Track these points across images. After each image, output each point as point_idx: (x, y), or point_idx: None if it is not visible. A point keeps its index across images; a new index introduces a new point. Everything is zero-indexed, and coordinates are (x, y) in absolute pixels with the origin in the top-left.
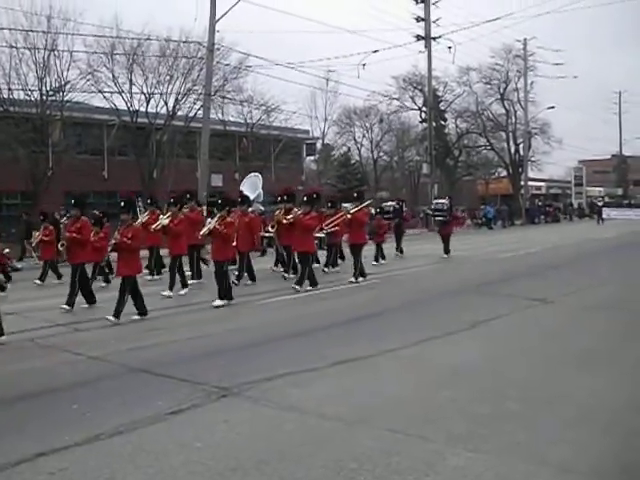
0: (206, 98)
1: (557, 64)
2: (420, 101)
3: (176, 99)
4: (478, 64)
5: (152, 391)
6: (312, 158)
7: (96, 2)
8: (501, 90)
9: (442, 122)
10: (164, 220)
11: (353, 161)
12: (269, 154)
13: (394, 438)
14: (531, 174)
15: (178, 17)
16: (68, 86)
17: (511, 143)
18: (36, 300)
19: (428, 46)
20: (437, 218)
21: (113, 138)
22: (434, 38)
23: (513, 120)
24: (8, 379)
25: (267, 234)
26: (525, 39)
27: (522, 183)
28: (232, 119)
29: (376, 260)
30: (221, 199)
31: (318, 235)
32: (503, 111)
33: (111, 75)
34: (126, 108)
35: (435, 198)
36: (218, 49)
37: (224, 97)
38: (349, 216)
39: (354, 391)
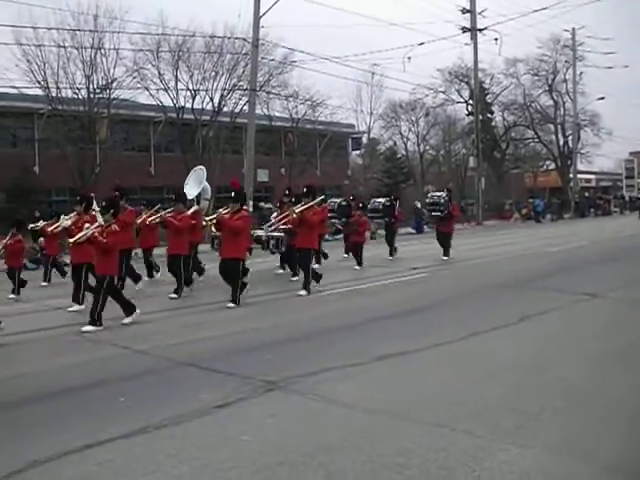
0: (251, 94)
1: (607, 53)
2: (466, 94)
3: (222, 95)
4: (525, 55)
5: (198, 384)
6: (358, 152)
7: (141, 0)
8: (549, 81)
9: (489, 115)
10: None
11: (399, 155)
12: (315, 149)
13: (440, 433)
14: (580, 167)
15: (222, 13)
16: (115, 84)
17: (560, 135)
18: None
19: (474, 38)
20: (433, 214)
21: (159, 134)
22: (480, 30)
23: (562, 112)
24: (56, 372)
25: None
26: (574, 28)
27: (571, 176)
28: (277, 114)
29: (359, 264)
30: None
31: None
32: (551, 103)
33: (157, 72)
34: (172, 104)
35: (430, 191)
36: (263, 44)
37: (269, 92)
38: (294, 215)
39: (400, 385)
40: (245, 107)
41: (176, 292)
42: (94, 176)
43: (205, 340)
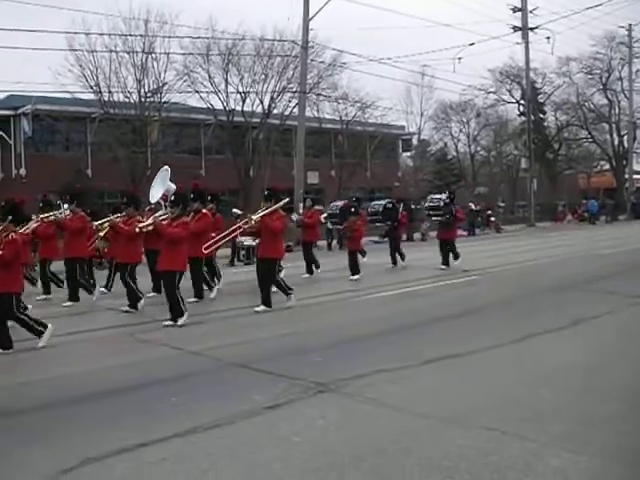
0: (301, 96)
1: None
2: (518, 94)
3: (271, 97)
4: (578, 54)
5: (249, 385)
6: (408, 154)
7: (191, 4)
8: (603, 80)
9: (541, 115)
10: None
11: (450, 156)
12: (365, 151)
13: (491, 436)
14: (636, 167)
15: (271, 16)
16: (165, 87)
17: (614, 135)
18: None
19: (525, 37)
20: (433, 219)
21: (210, 137)
22: (531, 29)
23: (616, 111)
24: (110, 372)
25: None
26: (630, 25)
27: (626, 176)
28: (327, 116)
29: (354, 273)
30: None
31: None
32: (605, 101)
33: (207, 75)
34: (222, 107)
35: (431, 193)
36: (312, 47)
37: (319, 94)
38: (253, 222)
39: (450, 388)
40: (295, 109)
41: (130, 305)
42: (145, 179)
43: (255, 342)
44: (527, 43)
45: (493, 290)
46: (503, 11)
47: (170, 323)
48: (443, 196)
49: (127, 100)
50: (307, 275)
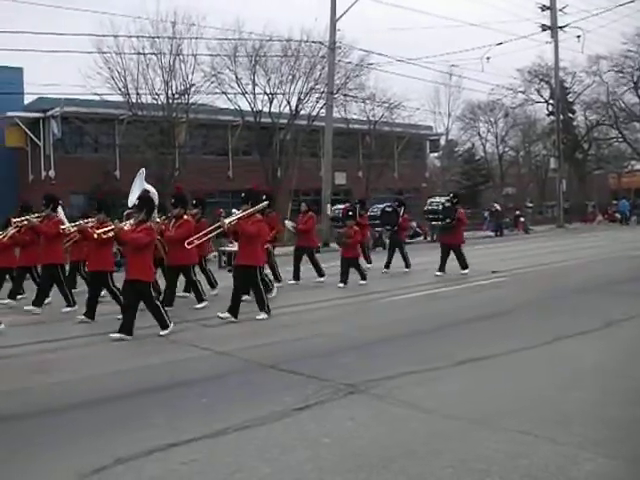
0: (329, 97)
1: None
2: (547, 93)
3: (299, 98)
4: (609, 52)
5: (279, 387)
6: (436, 155)
7: (218, 6)
8: (634, 78)
9: (570, 114)
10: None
11: (478, 157)
12: (392, 151)
13: (522, 439)
14: None
15: (298, 17)
16: (193, 89)
17: None
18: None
19: (554, 36)
20: (432, 223)
21: (237, 138)
22: (561, 27)
23: None
24: (139, 373)
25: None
26: None
27: None
28: (355, 117)
29: (343, 281)
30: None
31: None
32: (637, 100)
33: (234, 77)
34: (250, 109)
35: (430, 196)
36: (339, 47)
37: (346, 95)
38: (226, 227)
39: (480, 390)
40: (322, 110)
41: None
42: (173, 180)
43: (283, 343)
44: (556, 42)
45: (521, 292)
46: (532, 10)
47: (117, 336)
48: (443, 199)
49: (155, 102)
50: (320, 279)
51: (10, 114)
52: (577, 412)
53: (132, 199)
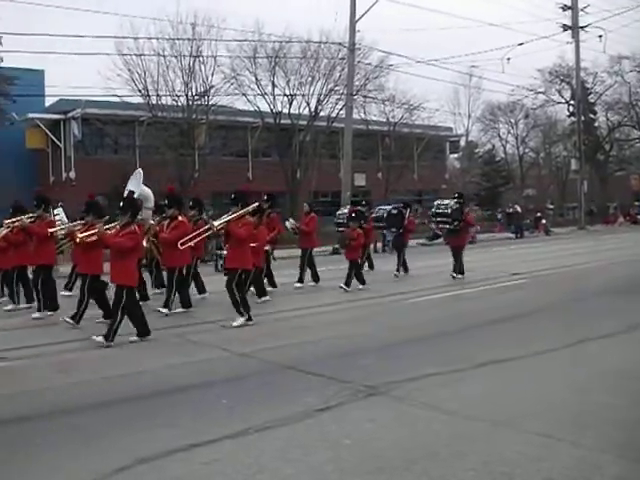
0: (348, 98)
1: None
2: (568, 94)
3: (318, 100)
4: (631, 52)
5: (299, 388)
6: (456, 156)
7: (238, 8)
8: None
9: (591, 115)
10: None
11: (498, 158)
12: (412, 153)
13: (544, 443)
14: None
15: (318, 19)
16: (213, 90)
17: None
18: None
19: (576, 36)
20: (440, 225)
21: (257, 140)
22: (582, 27)
23: None
24: (160, 374)
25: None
26: None
27: None
28: (374, 118)
29: (346, 285)
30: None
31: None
32: None
33: (254, 78)
34: (269, 110)
35: (439, 198)
36: (359, 49)
37: (366, 96)
38: (215, 229)
39: (502, 393)
40: (342, 111)
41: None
42: (193, 181)
43: (304, 344)
44: (577, 42)
45: (543, 294)
46: (552, 10)
47: (136, 339)
48: (451, 202)
49: (175, 103)
50: (313, 283)
51: (31, 116)
52: (600, 415)
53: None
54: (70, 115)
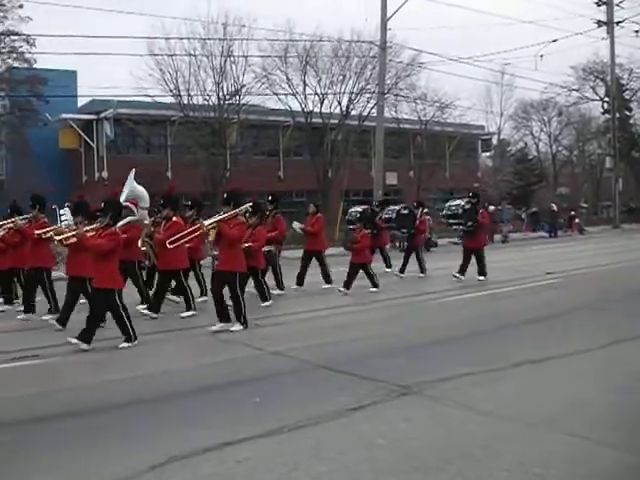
0: (380, 96)
1: None
2: (602, 91)
3: (349, 98)
4: None
5: (332, 387)
6: (488, 154)
7: (269, 7)
8: None
9: (627, 112)
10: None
11: (530, 156)
12: (443, 151)
13: (581, 444)
14: None
15: (349, 17)
16: (244, 90)
17: None
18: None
19: (611, 32)
20: (454, 227)
21: (288, 139)
22: (617, 23)
23: None
24: (193, 372)
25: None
26: None
27: None
28: (406, 117)
29: (346, 286)
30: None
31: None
32: None
33: (285, 77)
34: (300, 109)
35: (448, 200)
36: (390, 47)
37: (397, 95)
38: (205, 229)
39: (537, 393)
40: (373, 110)
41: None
42: (224, 180)
43: (337, 343)
44: (612, 38)
45: (578, 293)
46: (587, 5)
47: (125, 345)
48: (462, 202)
49: (206, 103)
50: (326, 286)
51: (64, 116)
52: (637, 417)
53: (121, 199)
54: (102, 115)
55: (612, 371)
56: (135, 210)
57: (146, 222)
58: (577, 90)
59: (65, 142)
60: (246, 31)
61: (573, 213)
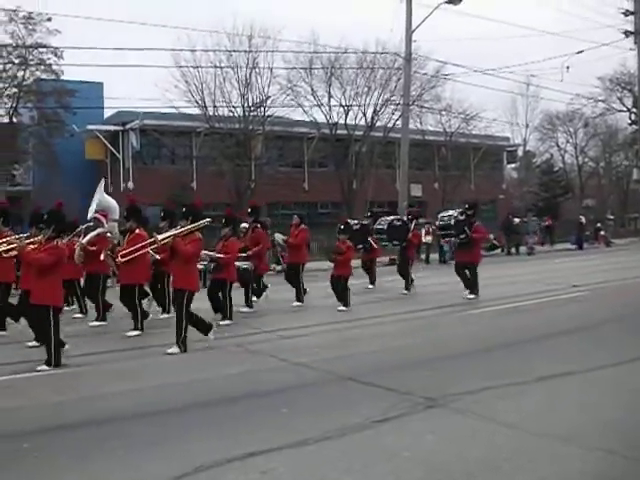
0: (405, 108)
1: None
2: (629, 102)
3: (374, 110)
4: None
5: (358, 399)
6: (513, 166)
7: (294, 19)
8: None
9: None
10: None
11: (556, 168)
12: (468, 163)
13: (610, 460)
14: None
15: (374, 28)
16: (269, 101)
17: None
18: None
19: (638, 42)
20: (445, 239)
21: (313, 150)
22: None
23: None
24: (219, 382)
25: None
26: None
27: None
28: (431, 128)
29: (343, 303)
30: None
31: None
32: None
33: (310, 89)
34: (325, 121)
35: (439, 211)
36: (415, 59)
37: (422, 106)
38: (159, 243)
39: (563, 407)
40: (398, 122)
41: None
42: (249, 192)
43: (362, 355)
44: None
45: (604, 307)
46: (613, 16)
47: (45, 367)
48: (455, 212)
49: (231, 114)
50: (297, 303)
51: (91, 127)
52: None
53: (90, 210)
54: (128, 126)
55: (637, 386)
56: (104, 222)
57: (111, 234)
58: (604, 101)
59: (91, 153)
60: (271, 43)
61: (599, 225)
